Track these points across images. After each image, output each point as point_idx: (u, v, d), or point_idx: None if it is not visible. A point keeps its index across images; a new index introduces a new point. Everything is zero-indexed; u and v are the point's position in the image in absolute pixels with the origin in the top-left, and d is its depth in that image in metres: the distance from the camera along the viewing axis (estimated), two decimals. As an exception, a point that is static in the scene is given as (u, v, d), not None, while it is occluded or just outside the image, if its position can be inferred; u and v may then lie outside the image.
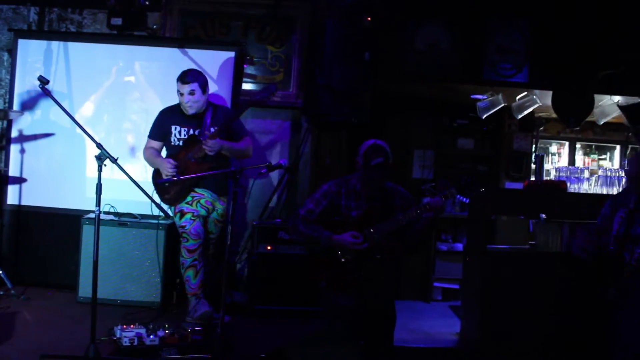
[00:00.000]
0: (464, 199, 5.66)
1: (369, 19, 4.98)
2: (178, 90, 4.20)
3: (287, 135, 5.28)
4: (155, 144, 4.36)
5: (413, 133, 6.28)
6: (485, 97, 5.68)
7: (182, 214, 4.22)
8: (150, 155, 4.33)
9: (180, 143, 4.29)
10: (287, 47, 5.30)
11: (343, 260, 3.36)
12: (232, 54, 5.02)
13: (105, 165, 3.31)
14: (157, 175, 4.28)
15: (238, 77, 5.05)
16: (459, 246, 5.89)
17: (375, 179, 3.40)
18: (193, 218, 4.22)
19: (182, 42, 5.11)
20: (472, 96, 5.77)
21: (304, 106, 5.21)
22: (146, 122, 4.87)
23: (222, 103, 4.80)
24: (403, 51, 5.36)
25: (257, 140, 5.21)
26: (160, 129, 4.37)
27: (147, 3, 5.26)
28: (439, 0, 5.33)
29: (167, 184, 4.15)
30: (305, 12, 5.25)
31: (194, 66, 4.92)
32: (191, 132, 4.26)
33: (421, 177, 6.19)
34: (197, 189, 4.24)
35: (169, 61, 5.03)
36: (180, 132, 4.30)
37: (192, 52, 5.01)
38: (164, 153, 4.42)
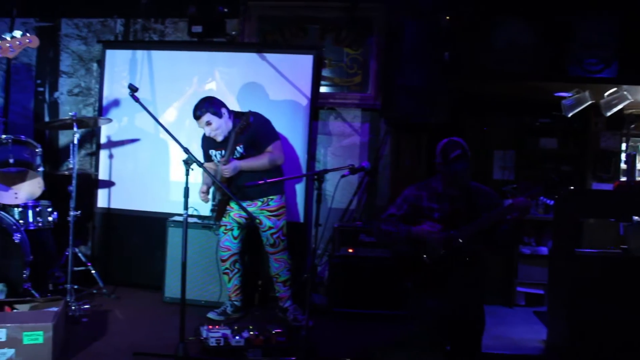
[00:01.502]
0: (548, 201, 5.44)
1: (448, 17, 4.89)
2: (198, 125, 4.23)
3: (366, 137, 5.26)
4: (207, 164, 4.36)
5: (493, 133, 6.10)
6: (570, 94, 5.45)
7: (219, 226, 4.42)
8: None
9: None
10: (364, 49, 5.28)
11: (427, 261, 3.30)
12: (309, 57, 5.03)
13: (192, 169, 3.37)
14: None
15: (316, 80, 5.06)
16: (543, 250, 5.68)
17: (457, 174, 3.31)
18: (225, 231, 4.38)
19: (260, 47, 5.19)
20: (556, 94, 5.55)
21: (383, 108, 5.18)
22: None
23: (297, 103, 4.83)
24: (482, 49, 5.22)
25: (336, 143, 5.21)
26: (204, 153, 4.43)
27: (226, 10, 5.37)
28: (519, -5, 5.18)
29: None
30: (382, 14, 5.22)
31: (272, 70, 5.01)
32: (221, 154, 4.29)
33: (502, 178, 6.02)
34: (231, 203, 4.32)
35: (248, 66, 5.12)
36: (216, 156, 4.33)
37: (270, 56, 5.06)
38: None
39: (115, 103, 5.34)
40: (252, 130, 4.20)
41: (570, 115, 5.53)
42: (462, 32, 5.07)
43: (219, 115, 4.16)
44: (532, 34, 5.19)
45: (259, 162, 4.20)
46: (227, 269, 4.40)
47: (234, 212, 4.34)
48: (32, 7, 5.82)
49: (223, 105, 4.22)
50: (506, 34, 5.21)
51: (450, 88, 4.87)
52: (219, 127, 4.17)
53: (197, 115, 4.15)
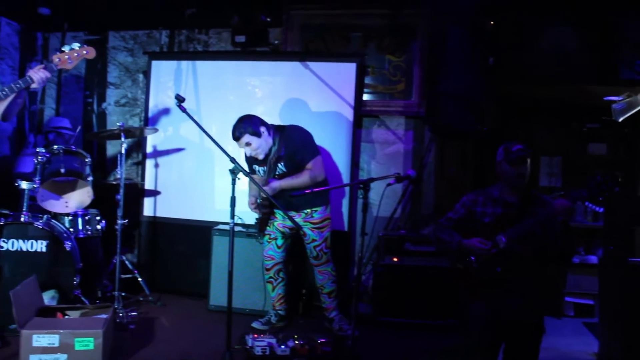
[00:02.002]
0: (597, 208, 5.29)
1: (492, 22, 4.82)
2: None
3: (409, 145, 5.21)
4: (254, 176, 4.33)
5: (539, 139, 5.98)
6: (621, 98, 5.29)
7: (263, 235, 4.43)
8: None
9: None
10: (407, 56, 5.23)
11: (476, 267, 3.23)
12: (352, 65, 5.01)
13: (239, 178, 3.39)
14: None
15: (359, 88, 5.03)
16: (593, 258, 5.53)
17: (519, 172, 3.19)
18: (269, 240, 4.38)
19: (303, 56, 5.20)
20: (605, 98, 5.39)
21: (427, 115, 5.12)
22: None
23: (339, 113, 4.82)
24: (528, 53, 5.12)
25: (379, 151, 5.18)
26: (248, 167, 4.36)
27: (268, 20, 5.42)
28: (564, -2, 5.07)
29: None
30: (425, 20, 5.17)
31: (315, 79, 5.02)
32: (264, 170, 4.28)
33: (548, 185, 5.89)
34: (275, 212, 4.33)
35: (291, 75, 5.14)
36: (260, 171, 4.31)
37: (313, 65, 5.07)
38: None
39: (161, 113, 5.43)
40: (293, 147, 4.16)
41: (621, 120, 5.36)
42: (506, 36, 4.99)
43: (258, 135, 4.08)
44: (579, 36, 5.06)
45: (299, 180, 4.14)
46: (271, 277, 4.40)
47: (278, 221, 4.35)
48: (82, 22, 6.00)
49: (262, 123, 4.15)
50: (552, 37, 5.09)
51: (495, 94, 4.78)
52: (259, 147, 4.12)
53: (236, 137, 4.09)
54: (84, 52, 3.54)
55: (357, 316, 4.45)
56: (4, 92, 3.39)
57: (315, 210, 4.26)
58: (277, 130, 4.22)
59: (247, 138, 4.06)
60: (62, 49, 3.51)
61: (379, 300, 4.52)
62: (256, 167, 4.31)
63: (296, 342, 3.67)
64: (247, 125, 4.07)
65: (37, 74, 3.43)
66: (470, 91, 4.63)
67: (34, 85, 3.45)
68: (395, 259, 4.50)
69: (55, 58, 3.51)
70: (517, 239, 3.16)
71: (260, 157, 4.18)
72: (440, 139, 5.18)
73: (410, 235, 4.55)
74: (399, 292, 4.44)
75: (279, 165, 4.19)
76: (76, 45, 3.53)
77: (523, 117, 5.92)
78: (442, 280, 4.37)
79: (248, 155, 4.20)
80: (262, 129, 4.12)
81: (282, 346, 3.62)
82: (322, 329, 4.33)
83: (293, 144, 4.16)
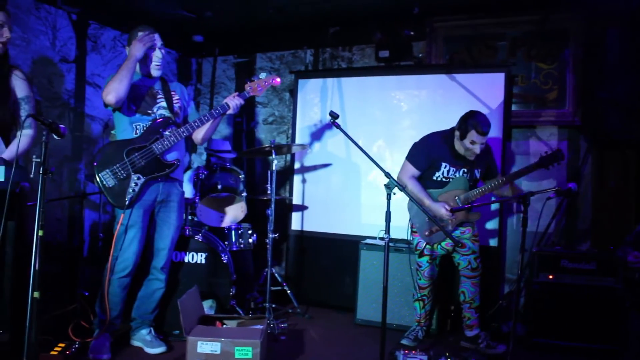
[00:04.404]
0: None
1: (656, 20, 4.44)
2: (468, 138, 3.99)
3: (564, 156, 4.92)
4: (415, 172, 4.20)
5: None
6: None
7: (422, 254, 4.28)
8: (415, 187, 4.16)
9: (444, 180, 4.19)
10: (559, 63, 4.95)
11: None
12: (500, 75, 4.86)
13: (394, 193, 3.37)
14: (414, 205, 4.23)
15: (508, 99, 4.86)
16: None
17: None
18: (429, 261, 4.26)
19: (448, 67, 5.12)
20: None
21: (584, 124, 4.82)
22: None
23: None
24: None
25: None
26: (426, 160, 4.18)
27: (412, 33, 5.40)
28: None
29: (426, 219, 4.14)
30: (578, 24, 4.86)
31: (461, 90, 4.92)
32: (461, 173, 4.16)
33: None
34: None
35: (436, 87, 5.09)
36: (448, 172, 4.17)
37: (459, 76, 4.99)
38: None
39: (307, 129, 5.60)
40: (491, 155, 4.23)
41: None
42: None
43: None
44: None
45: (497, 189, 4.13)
46: (424, 296, 4.32)
47: (446, 241, 4.23)
48: (231, 45, 6.36)
49: None
50: None
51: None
52: (482, 148, 4.09)
53: (486, 132, 3.97)
54: (271, 80, 3.86)
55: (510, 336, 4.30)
56: (206, 118, 3.74)
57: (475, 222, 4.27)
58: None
59: (487, 138, 4.04)
60: (252, 78, 3.86)
61: (533, 319, 4.28)
62: (444, 164, 4.16)
63: (448, 359, 3.57)
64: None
65: (233, 101, 3.80)
66: (633, 96, 4.29)
67: (229, 111, 3.82)
68: (550, 277, 4.24)
69: (247, 86, 3.87)
70: None
71: (472, 158, 4.12)
72: (597, 149, 4.83)
73: (567, 251, 4.27)
74: (556, 312, 4.17)
75: (475, 171, 4.18)
76: (264, 75, 3.85)
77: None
78: (605, 300, 4.05)
79: (474, 150, 4.02)
80: None
81: (434, 364, 3.54)
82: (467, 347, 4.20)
83: (488, 154, 4.24)
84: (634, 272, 3.30)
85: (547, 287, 4.23)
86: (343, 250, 5.18)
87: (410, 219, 4.30)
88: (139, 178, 3.63)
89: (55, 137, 2.81)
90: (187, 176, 5.35)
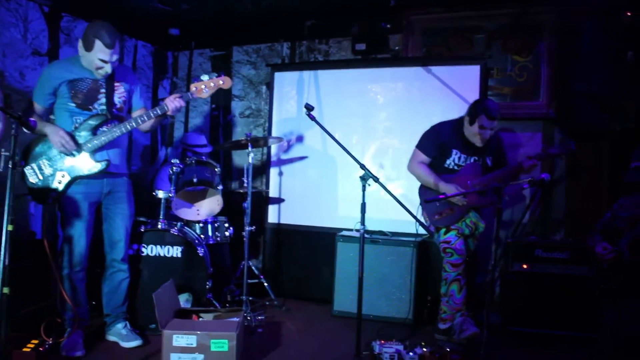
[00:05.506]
0: None
1: (629, 13, 4.48)
2: (477, 123, 4.05)
3: (538, 147, 4.96)
4: (425, 158, 4.24)
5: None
6: None
7: (448, 229, 4.17)
8: (423, 172, 4.21)
9: (456, 168, 4.22)
10: (534, 56, 4.99)
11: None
12: (476, 68, 4.89)
13: (369, 185, 3.38)
14: (424, 192, 4.29)
15: (484, 91, 4.89)
16: None
17: None
18: (458, 235, 4.14)
19: (425, 60, 5.13)
20: None
21: (558, 116, 4.87)
22: (395, 142, 4.96)
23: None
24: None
25: (506, 154, 5.01)
26: (437, 147, 4.22)
27: (388, 26, 5.40)
28: None
29: (437, 204, 4.13)
30: (554, 16, 4.89)
31: (437, 83, 4.94)
32: (472, 161, 4.19)
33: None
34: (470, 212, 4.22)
35: (413, 80, 5.10)
36: (459, 158, 4.20)
37: (435, 69, 5.01)
38: None
39: (284, 122, 5.58)
40: (500, 141, 4.28)
41: None
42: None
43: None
44: None
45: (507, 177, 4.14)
46: (459, 274, 4.09)
47: (470, 218, 4.22)
48: (208, 39, 6.31)
49: None
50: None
51: (636, 91, 4.44)
52: (491, 134, 4.12)
53: (495, 117, 4.03)
54: (220, 82, 3.72)
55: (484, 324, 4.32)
56: (142, 119, 3.64)
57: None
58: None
59: (496, 123, 4.07)
60: (201, 77, 3.70)
61: (508, 308, 4.32)
62: (455, 152, 4.20)
63: (424, 349, 3.58)
64: None
65: (173, 103, 3.66)
66: (607, 89, 4.35)
67: (168, 113, 3.68)
68: (525, 266, 4.28)
69: (193, 87, 3.73)
70: None
71: (480, 144, 4.14)
72: (571, 140, 4.89)
73: (542, 241, 4.32)
74: (530, 301, 4.22)
75: (487, 159, 4.21)
76: (213, 76, 3.71)
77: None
78: (579, 289, 4.11)
79: (484, 136, 4.08)
80: None
81: (410, 353, 3.55)
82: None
83: (499, 142, 4.30)
84: (602, 262, 3.36)
85: (522, 277, 4.27)
86: (320, 243, 5.18)
87: (419, 205, 4.29)
88: (63, 176, 3.56)
89: (25, 130, 2.77)
90: (162, 170, 5.31)
